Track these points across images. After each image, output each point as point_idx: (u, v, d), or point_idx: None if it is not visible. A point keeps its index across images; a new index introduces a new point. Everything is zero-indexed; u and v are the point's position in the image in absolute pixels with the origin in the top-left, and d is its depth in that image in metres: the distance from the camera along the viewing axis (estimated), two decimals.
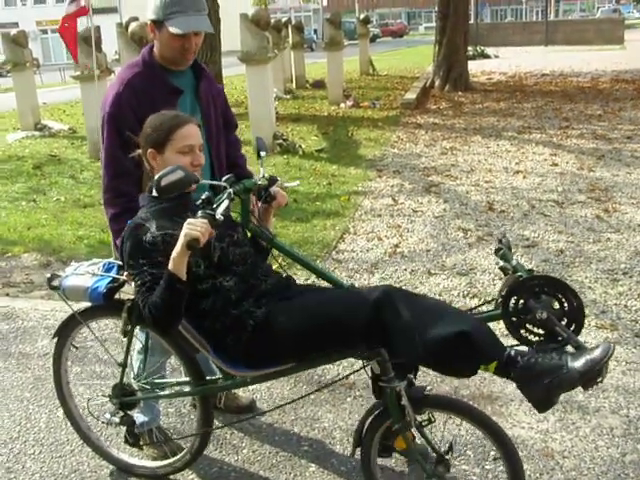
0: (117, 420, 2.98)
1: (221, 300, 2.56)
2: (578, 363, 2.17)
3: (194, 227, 2.30)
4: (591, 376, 2.17)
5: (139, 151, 2.69)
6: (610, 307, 4.58)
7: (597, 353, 2.18)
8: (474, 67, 19.97)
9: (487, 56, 26.50)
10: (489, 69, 21.18)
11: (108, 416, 3.00)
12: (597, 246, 5.69)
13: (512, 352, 2.28)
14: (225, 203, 2.46)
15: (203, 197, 2.43)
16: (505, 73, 19.94)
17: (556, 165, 8.51)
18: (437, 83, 16.21)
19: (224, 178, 2.64)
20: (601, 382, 2.22)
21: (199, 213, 2.36)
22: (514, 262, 2.48)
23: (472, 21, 31.81)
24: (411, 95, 14.56)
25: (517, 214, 6.64)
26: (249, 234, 2.89)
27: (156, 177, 2.42)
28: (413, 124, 11.98)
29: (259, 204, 2.91)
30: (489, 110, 13.12)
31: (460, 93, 15.44)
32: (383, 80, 19.52)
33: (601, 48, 29.47)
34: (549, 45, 32.18)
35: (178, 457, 3.08)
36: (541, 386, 2.19)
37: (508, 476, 2.44)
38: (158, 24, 2.87)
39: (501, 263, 2.50)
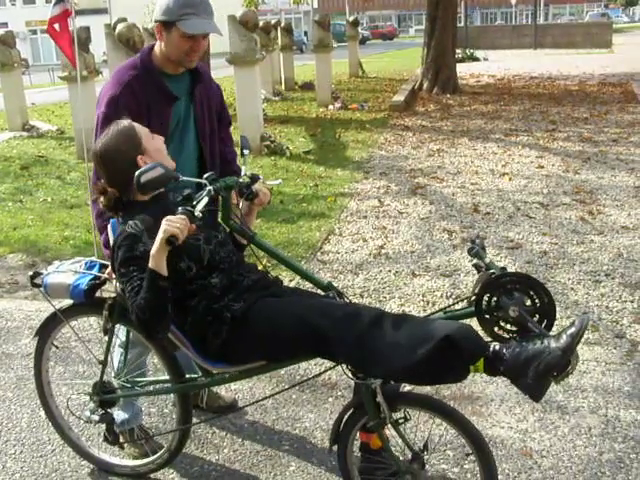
0: (97, 418, 3.00)
1: (206, 298, 2.59)
2: (558, 342, 2.18)
3: (172, 223, 2.32)
4: (571, 352, 2.17)
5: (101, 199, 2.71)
6: (592, 308, 4.61)
7: (573, 328, 2.20)
8: (463, 70, 20.03)
9: (476, 59, 26.56)
10: (478, 72, 21.24)
11: (88, 414, 3.01)
12: (581, 248, 5.73)
13: (497, 346, 2.29)
14: (204, 200, 2.47)
15: (183, 194, 2.45)
16: (494, 76, 20.01)
17: (542, 167, 8.56)
18: (425, 85, 16.24)
19: (205, 175, 2.66)
20: (571, 372, 2.23)
21: (178, 210, 2.38)
22: (487, 259, 2.50)
23: (462, 24, 31.95)
24: (399, 97, 14.59)
25: (502, 216, 6.67)
26: (227, 230, 2.90)
27: (136, 174, 2.42)
28: (401, 126, 12.02)
29: (241, 202, 2.92)
30: (477, 112, 13.17)
31: (448, 95, 15.47)
32: (372, 82, 19.56)
33: (589, 52, 29.65)
34: (538, 48, 32.28)
35: (158, 455, 3.10)
36: (530, 373, 2.19)
37: (480, 472, 2.47)
38: (168, 25, 2.88)
39: (474, 260, 2.52)
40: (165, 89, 2.99)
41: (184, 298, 2.58)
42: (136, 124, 2.69)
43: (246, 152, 2.96)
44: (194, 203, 2.43)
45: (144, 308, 2.38)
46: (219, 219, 2.91)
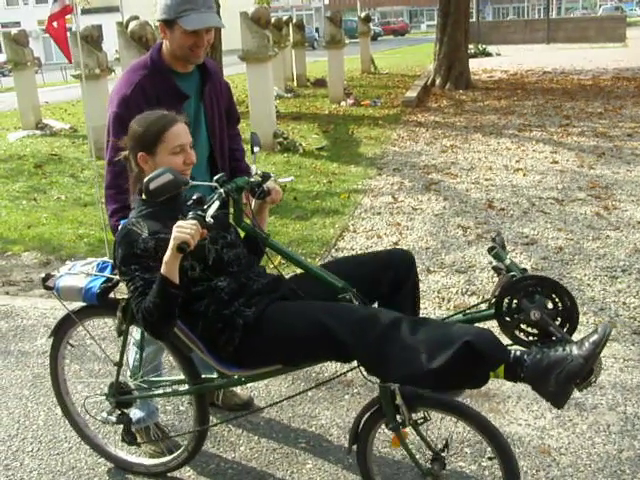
0: (114, 419, 2.99)
1: (214, 302, 2.55)
2: (580, 349, 2.14)
3: (183, 230, 2.27)
4: (594, 359, 2.13)
5: (124, 153, 2.66)
6: (609, 304, 4.58)
7: (596, 335, 2.16)
8: (475, 65, 19.96)
9: (489, 54, 26.45)
10: (490, 67, 21.16)
11: (105, 415, 3.02)
12: (596, 243, 5.69)
13: (517, 352, 2.24)
14: (216, 204, 2.42)
15: (194, 197, 2.40)
16: (506, 71, 19.91)
17: (556, 163, 8.51)
18: (438, 81, 16.18)
19: (215, 178, 2.60)
20: (594, 382, 2.19)
21: (189, 214, 2.33)
22: (508, 261, 2.45)
23: (474, 19, 31.78)
24: (412, 93, 14.54)
25: (517, 212, 6.63)
26: (242, 233, 2.87)
27: (145, 180, 2.39)
28: (414, 122, 11.97)
29: (253, 201, 2.89)
30: (490, 108, 13.11)
31: (461, 91, 15.42)
32: (384, 78, 19.51)
33: (603, 46, 29.43)
34: (551, 43, 32.11)
35: (175, 455, 3.09)
36: (551, 380, 2.15)
37: (503, 476, 2.43)
38: (169, 23, 2.88)
39: (494, 263, 2.48)
40: (175, 88, 2.98)
41: (191, 301, 2.55)
42: (182, 129, 2.61)
43: (256, 149, 2.92)
44: (205, 207, 2.38)
45: (152, 311, 2.36)
46: (230, 220, 2.87)
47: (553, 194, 7.16)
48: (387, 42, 48.08)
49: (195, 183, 2.55)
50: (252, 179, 2.83)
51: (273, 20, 14.96)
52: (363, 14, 21.39)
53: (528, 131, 10.63)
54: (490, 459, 2.99)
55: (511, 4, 78.21)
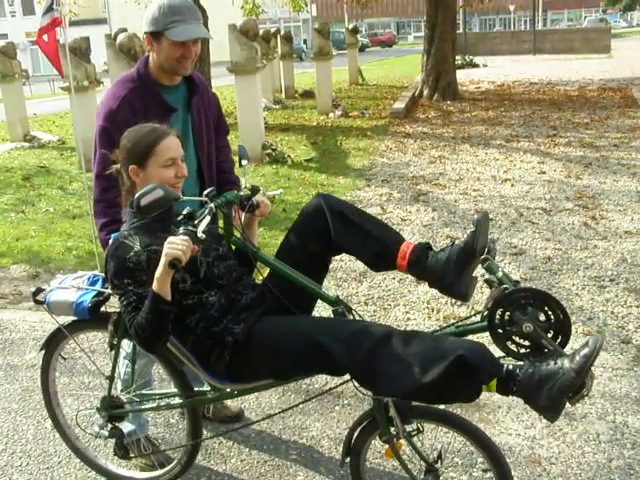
0: (106, 433, 2.98)
1: (204, 319, 2.55)
2: (572, 363, 2.14)
3: (175, 246, 2.26)
4: (585, 373, 2.12)
5: (116, 167, 2.66)
6: (597, 314, 4.61)
7: (587, 349, 2.15)
8: (463, 76, 20.06)
9: (476, 65, 26.59)
10: (478, 78, 21.28)
11: (97, 429, 3.00)
12: (584, 253, 5.73)
13: (510, 366, 2.24)
14: (207, 219, 2.42)
15: (184, 212, 2.38)
16: (494, 82, 20.03)
17: (544, 173, 8.56)
18: (426, 92, 16.25)
19: (205, 192, 2.61)
20: (587, 395, 2.19)
21: (180, 230, 2.32)
22: (500, 274, 2.43)
23: (461, 30, 31.98)
24: (400, 104, 14.60)
25: (505, 222, 6.67)
26: (234, 247, 2.87)
27: (136, 196, 2.38)
28: (402, 133, 12.03)
29: (242, 214, 2.89)
30: (477, 119, 13.19)
31: (449, 102, 15.49)
32: (372, 90, 19.59)
33: (588, 57, 29.65)
34: (537, 54, 32.34)
35: (168, 468, 3.07)
36: (543, 395, 2.15)
37: None
38: (156, 35, 2.89)
39: (486, 276, 2.48)
40: (162, 101, 2.99)
41: (182, 315, 2.54)
42: (173, 143, 2.61)
43: (245, 162, 2.93)
44: (196, 222, 2.37)
45: (145, 327, 2.35)
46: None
47: (541, 204, 7.21)
48: (375, 53, 48.28)
49: (186, 198, 2.55)
50: (241, 193, 2.84)
51: (261, 32, 15.00)
52: (351, 26, 21.48)
53: (516, 142, 10.69)
54: (484, 471, 3.01)
55: (497, 15, 78.67)
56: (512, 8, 50.66)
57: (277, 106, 16.07)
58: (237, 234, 2.85)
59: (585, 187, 7.79)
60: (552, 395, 2.14)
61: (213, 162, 3.30)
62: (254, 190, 2.86)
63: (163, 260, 2.28)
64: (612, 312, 4.63)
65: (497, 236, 6.25)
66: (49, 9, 5.59)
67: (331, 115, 14.25)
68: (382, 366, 2.25)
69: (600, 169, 8.62)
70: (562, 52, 31.79)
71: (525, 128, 11.85)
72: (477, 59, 27.35)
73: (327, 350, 2.31)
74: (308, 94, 17.99)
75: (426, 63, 16.29)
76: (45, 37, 5.71)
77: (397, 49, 55.59)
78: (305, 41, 53.47)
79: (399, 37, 72.86)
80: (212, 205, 2.54)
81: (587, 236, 6.15)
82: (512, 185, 8.06)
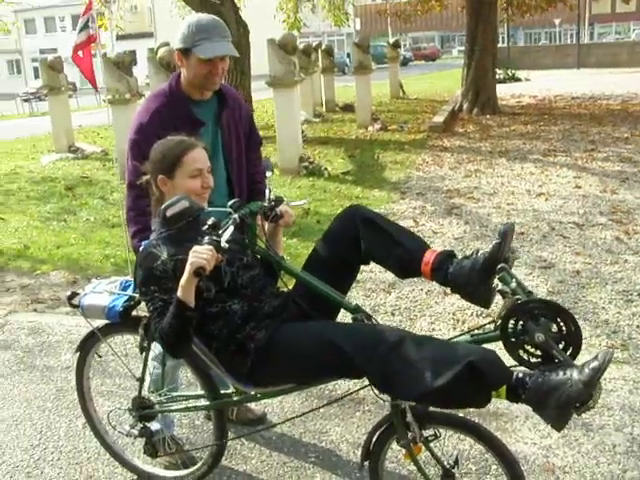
0: (136, 432, 3.10)
1: (228, 325, 2.65)
2: (581, 375, 2.19)
3: (200, 255, 2.35)
4: (593, 385, 2.17)
5: (146, 177, 2.79)
6: (622, 327, 4.62)
7: (596, 362, 2.20)
8: (504, 90, 20.02)
9: (518, 79, 26.50)
10: (519, 92, 21.20)
11: (127, 428, 3.12)
12: (614, 267, 5.72)
13: (520, 374, 2.30)
14: (230, 229, 2.51)
15: (209, 222, 2.45)
16: (535, 96, 19.95)
17: (579, 187, 8.54)
18: (465, 106, 16.29)
19: (229, 203, 2.70)
20: (593, 406, 2.22)
21: (205, 240, 2.41)
22: (513, 284, 2.49)
23: (504, 44, 31.89)
24: (439, 118, 14.66)
25: (536, 236, 6.68)
26: (259, 257, 2.96)
27: (162, 207, 2.52)
28: (439, 147, 12.07)
29: (266, 224, 2.98)
30: (516, 133, 13.17)
31: (488, 116, 15.50)
32: (413, 103, 19.67)
33: (635, 70, 29.28)
34: (581, 68, 32.08)
35: (195, 468, 3.18)
36: (551, 404, 2.20)
37: None
38: (185, 52, 3.03)
39: (500, 286, 2.53)
40: (191, 115, 3.11)
41: (205, 322, 2.64)
42: (200, 154, 2.73)
43: (268, 174, 3.06)
44: (220, 232, 2.46)
45: (169, 333, 2.46)
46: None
47: (574, 218, 7.20)
48: (418, 67, 48.35)
49: (211, 209, 2.67)
50: (265, 203, 2.94)
51: (302, 46, 15.21)
52: (392, 40, 21.61)
53: (553, 156, 10.67)
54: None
55: (543, 29, 78.00)
56: (557, 22, 50.20)
57: (317, 119, 16.25)
58: (261, 244, 2.96)
59: (620, 202, 7.76)
60: (559, 404, 2.19)
61: (244, 174, 3.39)
62: (277, 200, 2.96)
63: (188, 268, 2.38)
64: (638, 326, 4.62)
65: (527, 249, 6.27)
66: (85, 26, 5.84)
67: (370, 129, 14.36)
68: (396, 370, 2.32)
69: (637, 184, 8.56)
70: (607, 66, 31.46)
71: (563, 142, 11.81)
72: (519, 73, 27.23)
73: (344, 354, 2.39)
74: (348, 108, 18.14)
75: (466, 77, 16.35)
76: (80, 53, 5.95)
77: (440, 63, 55.57)
78: (348, 55, 53.59)
79: (443, 51, 72.71)
80: (236, 216, 2.64)
81: (618, 250, 6.14)
82: (546, 199, 8.06)
